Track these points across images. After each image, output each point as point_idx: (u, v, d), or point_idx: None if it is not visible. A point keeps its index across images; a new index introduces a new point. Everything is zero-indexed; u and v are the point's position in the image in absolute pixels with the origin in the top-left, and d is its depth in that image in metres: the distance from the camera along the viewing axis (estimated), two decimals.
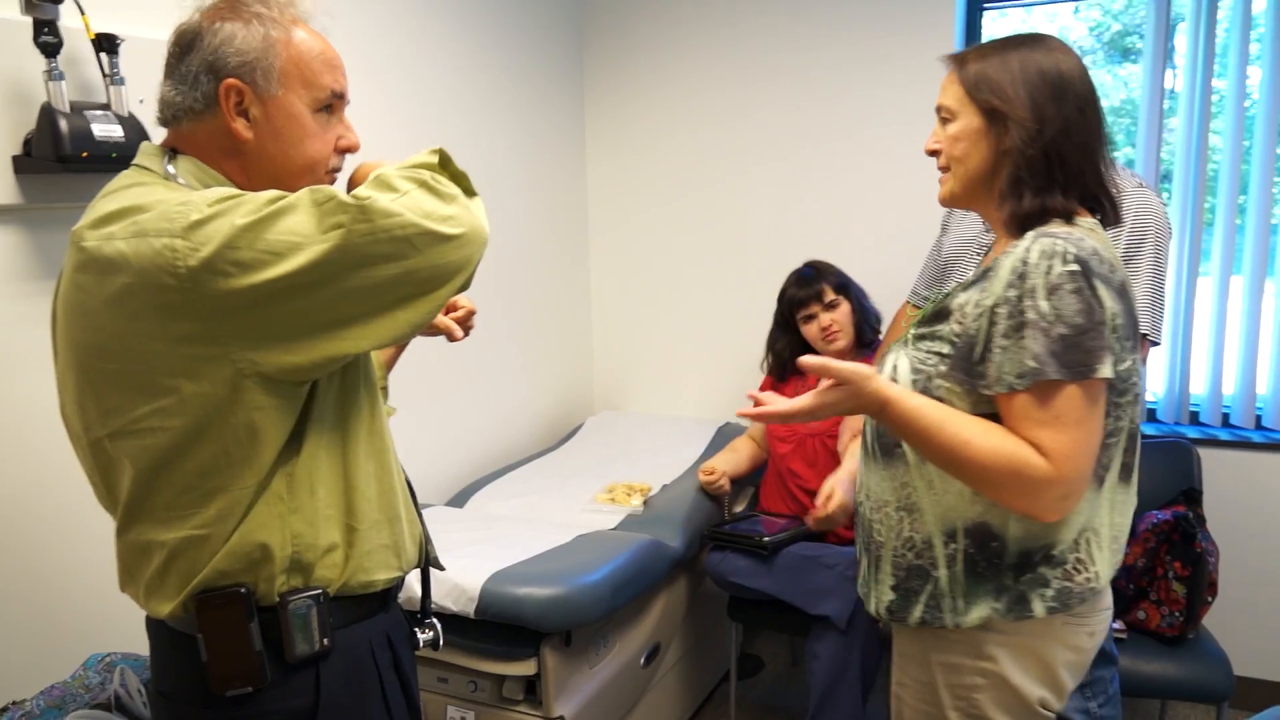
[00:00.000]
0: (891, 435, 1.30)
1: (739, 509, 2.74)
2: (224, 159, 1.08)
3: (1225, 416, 2.71)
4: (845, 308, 2.45)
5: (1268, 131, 2.52)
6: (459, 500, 2.58)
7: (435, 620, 1.36)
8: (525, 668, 1.95)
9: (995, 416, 1.21)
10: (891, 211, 2.88)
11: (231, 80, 1.04)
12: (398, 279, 0.98)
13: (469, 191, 1.07)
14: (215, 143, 1.07)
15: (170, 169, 1.06)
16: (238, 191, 1.00)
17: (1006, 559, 1.24)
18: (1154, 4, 2.57)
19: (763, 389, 2.68)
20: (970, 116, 1.27)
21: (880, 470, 1.34)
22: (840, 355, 2.43)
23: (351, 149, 1.16)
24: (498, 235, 2.78)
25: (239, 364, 0.97)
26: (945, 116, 1.31)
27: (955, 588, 1.27)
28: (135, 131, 1.60)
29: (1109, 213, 1.28)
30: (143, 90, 1.59)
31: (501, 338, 2.91)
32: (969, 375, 1.21)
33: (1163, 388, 2.75)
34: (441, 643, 1.36)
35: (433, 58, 2.55)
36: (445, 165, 1.07)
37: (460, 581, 1.94)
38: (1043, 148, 1.23)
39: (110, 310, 0.97)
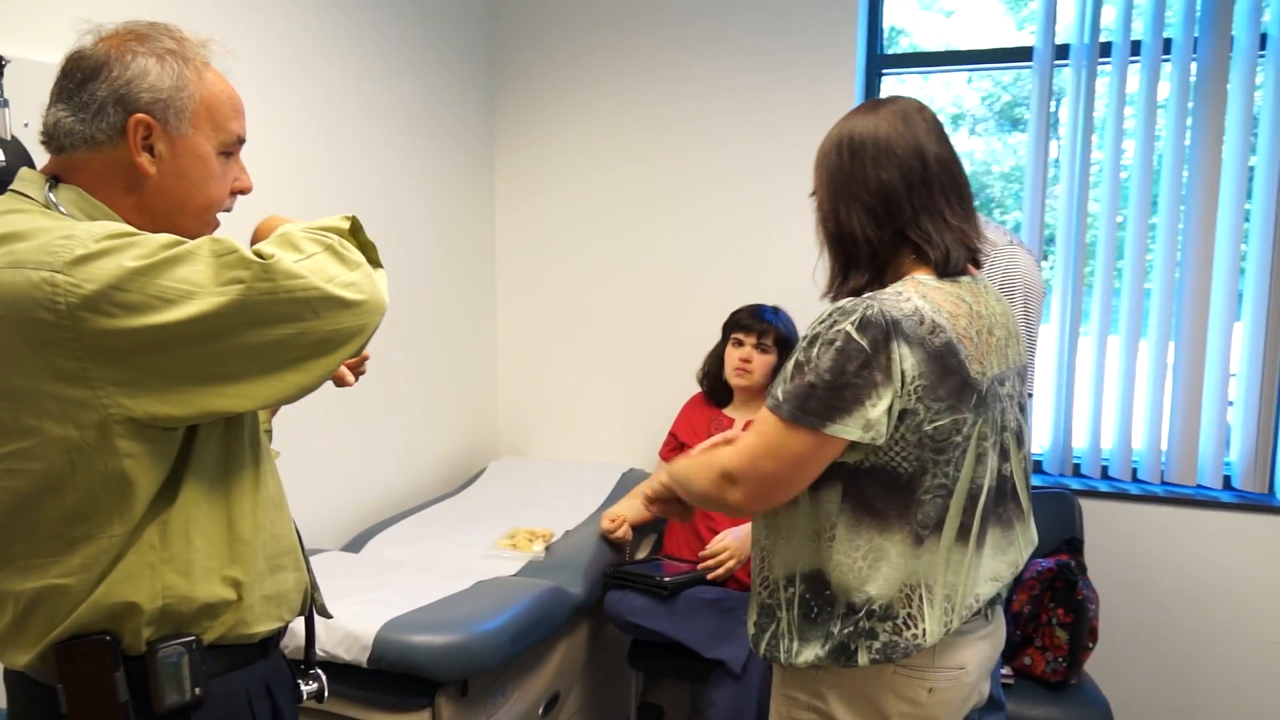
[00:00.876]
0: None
1: (641, 556, 2.74)
2: (120, 193, 1.05)
3: (1104, 469, 2.85)
4: (772, 359, 2.52)
5: (1141, 201, 2.70)
6: (355, 545, 2.50)
7: (319, 671, 1.31)
8: (419, 719, 1.89)
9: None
10: (801, 256, 2.95)
11: (142, 115, 1.03)
12: (290, 340, 0.97)
13: (375, 262, 1.08)
14: (112, 174, 1.04)
15: (51, 197, 1.02)
16: (129, 229, 0.97)
17: (836, 609, 1.27)
18: (1038, 78, 2.74)
19: (662, 455, 2.72)
20: None
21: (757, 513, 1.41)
22: (745, 391, 2.53)
23: (244, 191, 1.17)
24: (400, 275, 2.75)
25: (109, 409, 0.94)
26: None
27: (792, 629, 1.32)
28: (18, 156, 1.53)
29: (940, 265, 1.29)
30: (27, 114, 1.54)
31: (403, 379, 2.86)
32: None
33: (1048, 441, 2.88)
34: (327, 694, 1.31)
35: (338, 94, 2.53)
36: (355, 233, 1.07)
37: (353, 629, 1.88)
38: (835, 223, 1.31)
39: None
